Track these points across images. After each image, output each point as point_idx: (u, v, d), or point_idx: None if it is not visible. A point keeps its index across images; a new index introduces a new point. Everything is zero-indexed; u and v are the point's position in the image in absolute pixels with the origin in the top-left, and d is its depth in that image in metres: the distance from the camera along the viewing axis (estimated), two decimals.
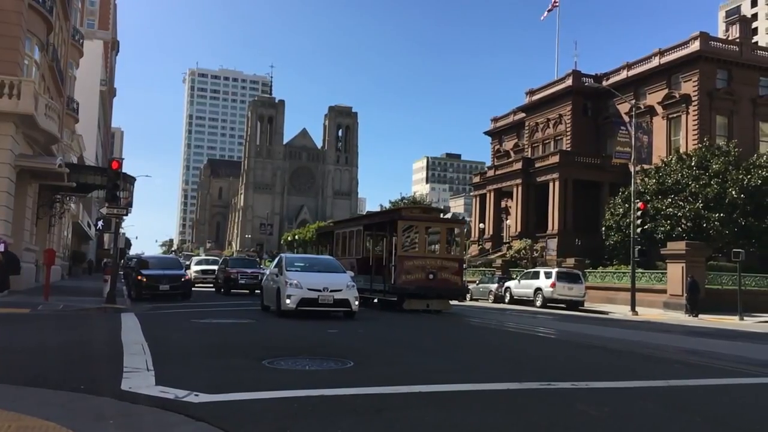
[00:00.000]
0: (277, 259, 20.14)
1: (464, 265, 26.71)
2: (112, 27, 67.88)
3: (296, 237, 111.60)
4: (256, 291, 28.43)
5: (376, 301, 24.71)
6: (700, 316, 29.34)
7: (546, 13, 61.80)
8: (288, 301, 16.69)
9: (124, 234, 67.16)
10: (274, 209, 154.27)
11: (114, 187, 20.55)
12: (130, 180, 32.89)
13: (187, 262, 42.44)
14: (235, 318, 16.86)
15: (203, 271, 37.86)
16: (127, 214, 23.48)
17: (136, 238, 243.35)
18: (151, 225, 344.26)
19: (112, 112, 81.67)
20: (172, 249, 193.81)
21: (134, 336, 11.99)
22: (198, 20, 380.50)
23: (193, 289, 30.28)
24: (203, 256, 55.32)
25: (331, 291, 16.93)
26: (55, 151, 28.52)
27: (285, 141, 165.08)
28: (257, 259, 51.69)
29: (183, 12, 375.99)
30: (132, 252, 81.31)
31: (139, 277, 24.11)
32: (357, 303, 17.42)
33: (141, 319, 15.54)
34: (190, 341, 11.81)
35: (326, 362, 9.41)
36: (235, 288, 29.98)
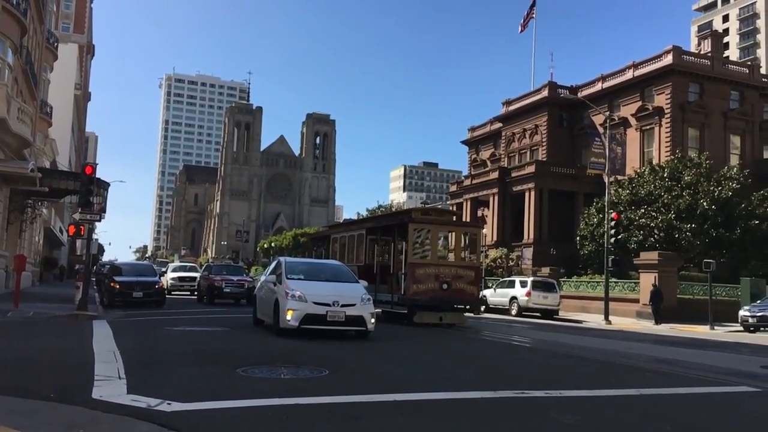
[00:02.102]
0: (274, 264, 17.20)
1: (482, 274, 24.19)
2: (87, 31, 67.11)
3: (272, 244, 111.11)
4: (242, 301, 27.44)
5: (379, 312, 22.34)
6: (673, 325, 29.73)
7: (522, 23, 62.31)
8: (288, 317, 13.70)
9: (96, 240, 66.30)
10: (250, 216, 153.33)
11: (87, 192, 20.26)
12: (104, 185, 32.45)
13: (163, 269, 41.78)
14: (210, 326, 16.67)
15: (180, 278, 36.34)
16: (100, 220, 23.14)
17: (110, 244, 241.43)
18: (125, 231, 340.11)
19: (87, 117, 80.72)
20: (146, 255, 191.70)
21: (106, 344, 11.83)
22: (175, 26, 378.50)
23: (170, 296, 29.91)
24: (180, 263, 54.40)
25: (343, 305, 13.88)
26: (27, 155, 28.10)
27: (262, 148, 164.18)
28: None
29: (160, 17, 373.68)
30: (105, 258, 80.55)
31: (112, 284, 23.74)
32: (373, 321, 14.47)
33: (113, 327, 15.33)
34: (164, 349, 11.68)
35: (302, 370, 9.37)
36: (220, 297, 27.86)
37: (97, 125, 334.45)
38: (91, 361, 9.38)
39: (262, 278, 17.30)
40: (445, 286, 20.28)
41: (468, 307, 21.80)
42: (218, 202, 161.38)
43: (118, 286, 23.54)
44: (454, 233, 22.88)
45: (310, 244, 38.72)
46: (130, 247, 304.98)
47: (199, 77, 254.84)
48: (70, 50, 52.56)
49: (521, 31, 62.75)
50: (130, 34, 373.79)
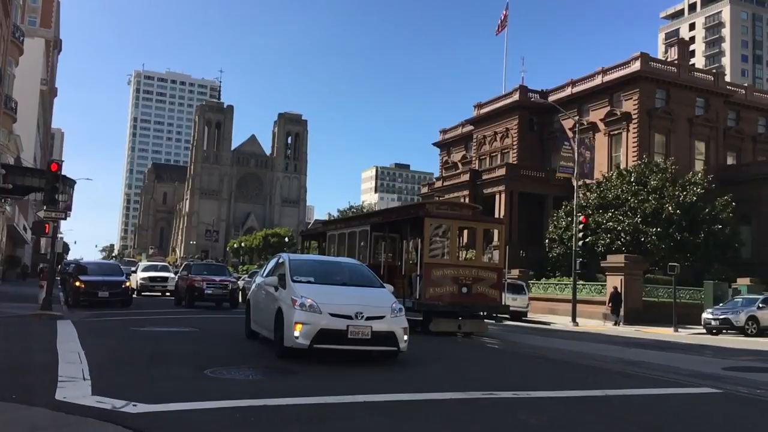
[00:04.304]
0: (273, 262, 13.79)
1: (504, 277, 21.47)
2: (54, 25, 65.89)
3: (242, 244, 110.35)
4: (224, 304, 25.88)
5: None
6: (638, 327, 30.21)
7: (499, 24, 62.59)
8: (296, 333, 10.24)
9: (61, 238, 65.02)
10: (220, 216, 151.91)
11: (52, 189, 19.88)
12: (70, 183, 31.81)
13: (132, 269, 40.93)
14: (178, 326, 16.48)
15: (151, 279, 34.83)
16: (65, 218, 22.72)
17: (75, 242, 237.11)
18: (92, 230, 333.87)
19: (53, 113, 79.16)
20: (113, 255, 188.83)
21: (70, 344, 11.63)
22: (145, 21, 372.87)
23: (140, 297, 29.31)
24: (151, 262, 53.11)
25: (368, 318, 10.46)
26: None
27: (233, 147, 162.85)
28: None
29: (129, 12, 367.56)
30: (70, 257, 79.04)
31: (77, 283, 23.30)
32: (406, 338, 11.00)
33: (78, 327, 15.06)
34: (130, 350, 11.52)
35: (270, 372, 9.32)
36: (200, 299, 25.49)
37: (64, 122, 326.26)
38: (55, 362, 9.21)
39: (258, 279, 14.32)
40: (465, 290, 18.26)
41: (493, 314, 19.72)
42: (188, 201, 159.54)
43: (83, 286, 23.10)
44: (475, 230, 20.85)
45: (303, 241, 36.28)
46: (96, 246, 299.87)
47: (169, 74, 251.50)
48: (37, 45, 51.57)
49: (498, 33, 63.15)
50: (99, 29, 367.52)
